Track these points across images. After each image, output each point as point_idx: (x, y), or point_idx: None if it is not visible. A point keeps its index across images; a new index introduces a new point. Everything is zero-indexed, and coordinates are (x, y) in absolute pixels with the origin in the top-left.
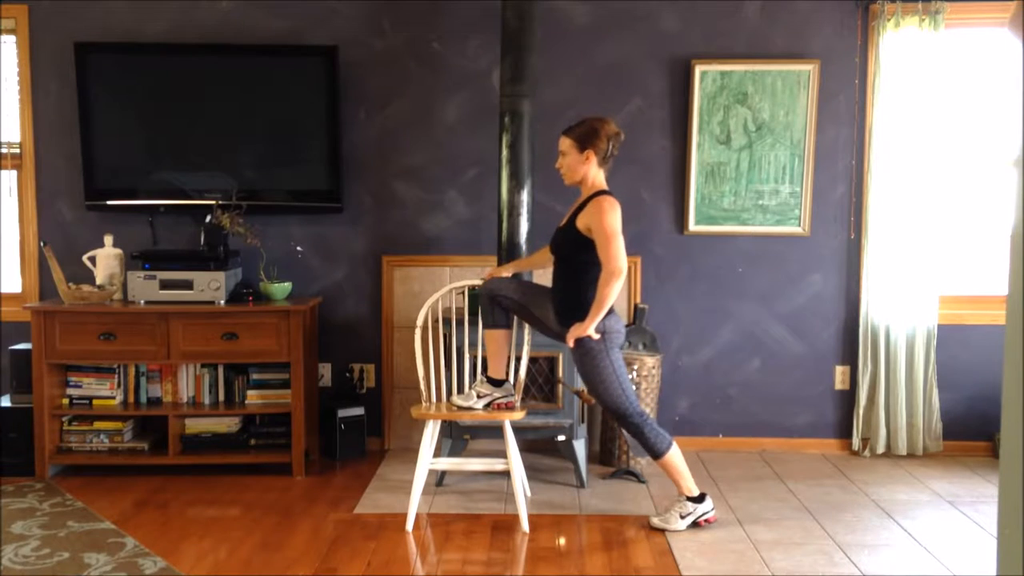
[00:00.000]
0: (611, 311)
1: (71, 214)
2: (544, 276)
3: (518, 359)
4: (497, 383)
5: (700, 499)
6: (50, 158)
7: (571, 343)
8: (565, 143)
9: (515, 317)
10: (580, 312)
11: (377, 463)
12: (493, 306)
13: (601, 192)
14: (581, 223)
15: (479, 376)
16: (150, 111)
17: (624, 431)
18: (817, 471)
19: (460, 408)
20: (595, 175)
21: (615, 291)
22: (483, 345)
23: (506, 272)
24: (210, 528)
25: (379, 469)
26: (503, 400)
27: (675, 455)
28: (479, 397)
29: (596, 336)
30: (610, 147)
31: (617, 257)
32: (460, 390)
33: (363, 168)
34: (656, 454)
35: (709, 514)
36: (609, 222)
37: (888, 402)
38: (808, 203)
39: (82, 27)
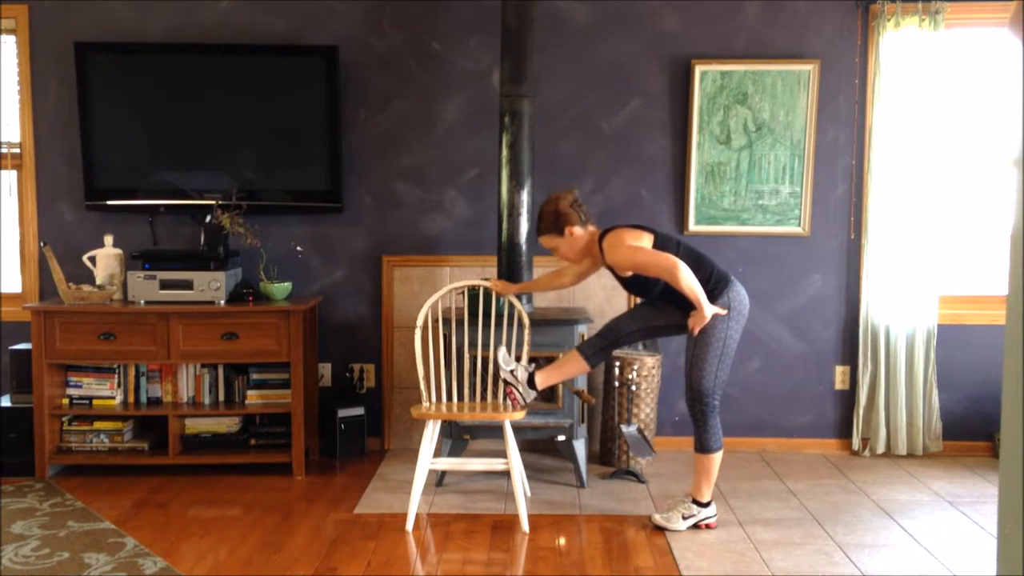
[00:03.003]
0: (730, 282)
1: (71, 214)
2: (544, 297)
3: (518, 359)
4: (533, 384)
5: (706, 505)
6: (50, 158)
7: (696, 332)
8: (547, 241)
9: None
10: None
11: (377, 463)
12: (607, 350)
13: (601, 237)
14: (619, 271)
15: (530, 365)
16: (150, 111)
17: (692, 414)
18: (817, 471)
19: (497, 362)
20: (587, 234)
21: (688, 277)
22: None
23: (514, 289)
24: (210, 528)
25: (379, 469)
26: (517, 395)
27: (717, 459)
28: (512, 373)
29: (723, 312)
30: (579, 211)
31: (656, 263)
32: (460, 390)
33: (363, 168)
34: (705, 448)
35: (711, 520)
36: (623, 253)
37: (888, 402)
38: (808, 203)
39: (82, 27)
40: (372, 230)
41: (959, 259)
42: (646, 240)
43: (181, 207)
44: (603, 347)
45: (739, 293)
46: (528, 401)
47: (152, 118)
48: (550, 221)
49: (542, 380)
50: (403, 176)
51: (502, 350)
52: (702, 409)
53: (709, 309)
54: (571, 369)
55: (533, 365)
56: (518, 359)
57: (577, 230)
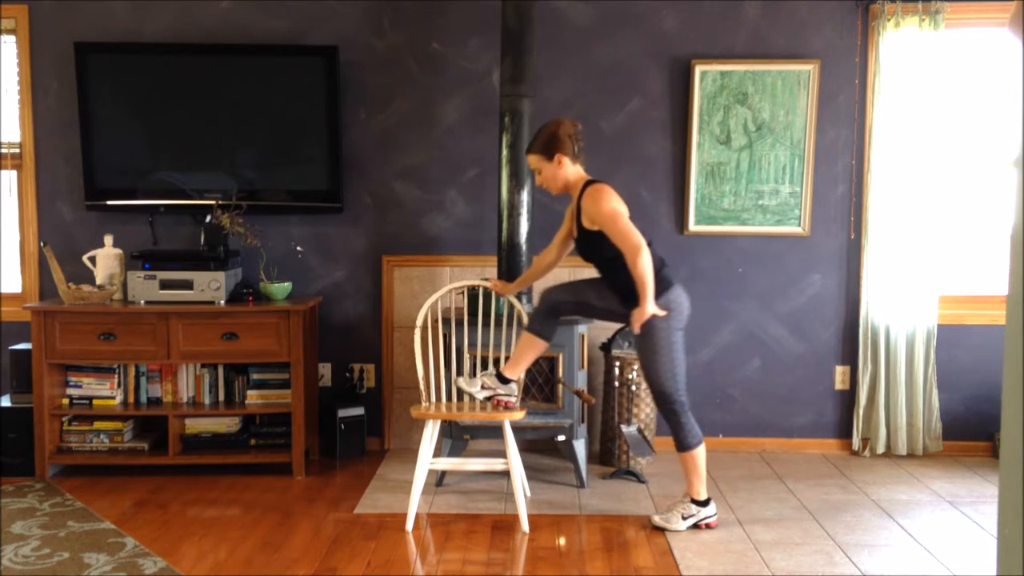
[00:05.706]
0: (673, 284)
1: (71, 214)
2: (543, 284)
3: (474, 371)
4: (505, 380)
5: (705, 503)
6: (50, 158)
7: (637, 329)
8: (533, 160)
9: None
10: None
11: (377, 463)
12: (549, 318)
13: (588, 183)
14: (587, 221)
15: (491, 367)
16: (150, 111)
17: (664, 416)
18: (817, 471)
19: (461, 390)
20: (574, 172)
21: (646, 265)
22: (498, 344)
23: (512, 287)
24: (210, 528)
25: (379, 469)
26: (504, 398)
27: (700, 454)
28: (483, 388)
29: (663, 313)
30: (575, 143)
31: (628, 235)
32: (460, 390)
33: (363, 168)
34: (684, 446)
35: (711, 519)
36: (606, 206)
37: (888, 402)
38: (808, 203)
39: (82, 27)
40: (372, 230)
41: (959, 259)
42: (625, 211)
43: (181, 207)
44: (543, 316)
45: (679, 295)
46: (516, 395)
47: (152, 118)
48: (543, 141)
49: (511, 372)
50: (403, 176)
51: (459, 380)
52: (672, 409)
53: (651, 306)
54: (531, 351)
55: (493, 367)
56: (473, 371)
57: (567, 161)
